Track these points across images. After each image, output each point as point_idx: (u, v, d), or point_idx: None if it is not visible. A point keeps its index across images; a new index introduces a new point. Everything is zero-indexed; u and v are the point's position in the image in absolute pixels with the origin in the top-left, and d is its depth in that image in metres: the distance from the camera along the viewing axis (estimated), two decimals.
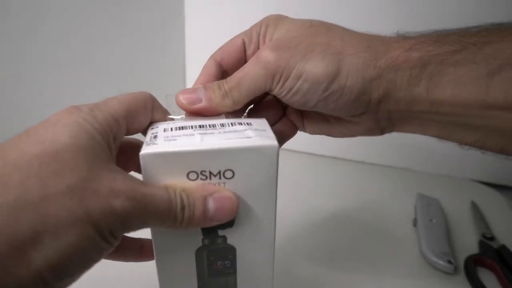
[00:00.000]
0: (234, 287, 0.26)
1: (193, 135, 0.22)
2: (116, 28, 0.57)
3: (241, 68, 0.26)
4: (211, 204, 0.21)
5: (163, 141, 0.22)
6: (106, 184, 0.19)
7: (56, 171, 0.18)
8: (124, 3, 0.58)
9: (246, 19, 0.71)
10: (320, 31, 0.26)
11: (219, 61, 0.29)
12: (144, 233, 0.24)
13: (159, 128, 0.24)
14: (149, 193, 0.20)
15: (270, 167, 0.22)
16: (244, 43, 0.29)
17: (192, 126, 0.24)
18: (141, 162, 0.21)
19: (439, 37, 0.25)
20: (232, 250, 0.25)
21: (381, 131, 0.29)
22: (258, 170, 0.22)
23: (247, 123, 0.24)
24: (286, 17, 0.29)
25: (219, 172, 0.22)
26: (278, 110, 0.31)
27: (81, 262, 0.18)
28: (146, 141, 0.22)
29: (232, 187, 0.22)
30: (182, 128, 0.23)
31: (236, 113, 0.27)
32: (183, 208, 0.21)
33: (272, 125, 0.28)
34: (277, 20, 0.28)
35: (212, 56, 0.29)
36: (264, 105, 0.31)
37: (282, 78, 0.25)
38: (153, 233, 0.23)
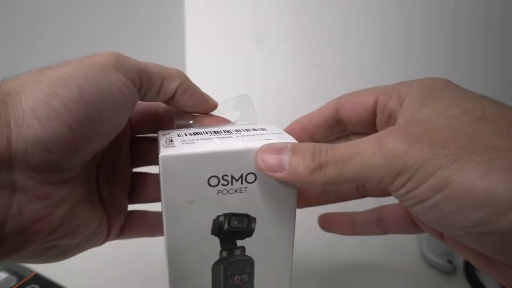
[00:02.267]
0: None
1: (211, 139, 0.22)
2: (116, 28, 0.57)
3: (353, 142, 0.19)
4: None
5: (181, 144, 0.21)
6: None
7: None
8: (124, 3, 0.58)
9: (246, 19, 0.71)
10: (496, 129, 0.16)
11: (340, 106, 0.25)
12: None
13: (172, 134, 0.23)
14: None
15: None
16: (376, 102, 0.23)
17: (207, 132, 0.23)
18: (161, 165, 0.20)
19: None
20: (250, 262, 0.24)
21: None
22: None
23: (261, 129, 0.24)
24: (451, 85, 0.20)
25: (241, 176, 0.21)
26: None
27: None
28: (162, 145, 0.21)
29: (253, 192, 0.22)
30: (197, 133, 0.23)
31: None
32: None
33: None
34: (435, 88, 0.20)
35: (337, 98, 0.25)
36: None
37: (410, 181, 0.16)
38: (169, 251, 0.22)
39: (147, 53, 0.66)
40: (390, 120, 0.23)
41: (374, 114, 0.24)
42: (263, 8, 0.62)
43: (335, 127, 0.26)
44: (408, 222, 0.25)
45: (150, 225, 0.27)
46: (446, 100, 0.19)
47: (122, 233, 0.26)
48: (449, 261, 0.38)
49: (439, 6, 0.55)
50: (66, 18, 0.50)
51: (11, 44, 0.45)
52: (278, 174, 0.20)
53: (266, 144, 0.21)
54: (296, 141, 0.22)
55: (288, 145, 0.20)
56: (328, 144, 0.19)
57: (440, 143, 0.16)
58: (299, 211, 0.24)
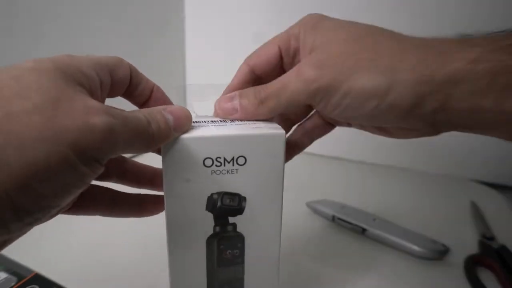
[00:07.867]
0: (242, 277, 0.28)
1: (208, 126, 0.25)
2: (116, 28, 0.58)
3: (280, 78, 0.26)
4: (168, 115, 0.22)
5: None
6: (81, 103, 0.18)
7: (20, 92, 0.17)
8: (125, 3, 0.58)
9: (246, 19, 0.71)
10: (367, 46, 0.24)
11: (252, 66, 0.29)
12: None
13: None
14: (124, 112, 0.20)
15: (278, 154, 0.25)
16: (280, 50, 0.28)
17: (204, 121, 0.26)
18: (163, 148, 0.23)
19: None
20: (241, 238, 0.26)
21: (438, 132, 0.27)
22: (267, 157, 0.25)
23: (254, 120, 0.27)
24: (325, 19, 0.27)
25: (233, 159, 0.24)
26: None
27: (56, 185, 0.17)
28: None
29: (243, 173, 0.25)
30: (196, 122, 0.26)
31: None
32: (149, 122, 0.21)
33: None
34: (316, 24, 0.27)
35: (245, 60, 0.29)
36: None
37: (326, 96, 0.24)
38: (168, 223, 0.25)
39: (147, 53, 0.66)
40: (295, 58, 0.28)
41: (281, 59, 0.29)
42: (263, 8, 0.62)
43: (254, 83, 0.29)
44: (325, 126, 0.32)
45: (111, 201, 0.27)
46: (328, 27, 0.26)
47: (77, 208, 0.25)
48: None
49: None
50: (67, 18, 0.51)
51: (17, 44, 0.45)
52: (234, 116, 0.26)
53: (220, 96, 0.27)
54: (282, 129, 0.25)
55: (236, 93, 0.27)
56: (262, 85, 0.26)
57: (339, 64, 0.24)
58: (287, 196, 0.27)
